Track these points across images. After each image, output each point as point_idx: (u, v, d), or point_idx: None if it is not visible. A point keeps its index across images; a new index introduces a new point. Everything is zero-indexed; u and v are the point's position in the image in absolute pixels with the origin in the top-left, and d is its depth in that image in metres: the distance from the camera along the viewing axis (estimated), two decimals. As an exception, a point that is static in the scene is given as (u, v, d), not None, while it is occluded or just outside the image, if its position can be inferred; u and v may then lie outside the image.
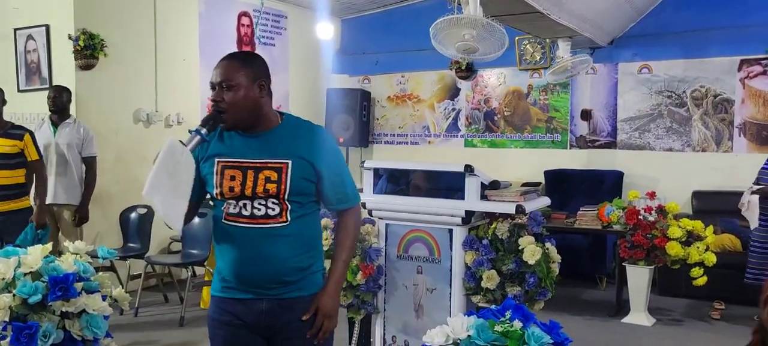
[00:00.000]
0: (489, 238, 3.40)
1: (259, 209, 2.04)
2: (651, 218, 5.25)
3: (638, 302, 5.28)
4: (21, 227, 4.51)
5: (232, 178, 2.05)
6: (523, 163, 7.45)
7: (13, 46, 5.81)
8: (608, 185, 6.85)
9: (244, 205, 2.04)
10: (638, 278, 5.27)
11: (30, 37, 5.73)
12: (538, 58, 7.33)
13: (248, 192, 2.03)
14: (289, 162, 2.04)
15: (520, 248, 3.31)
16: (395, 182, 3.81)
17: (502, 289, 3.34)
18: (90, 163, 5.19)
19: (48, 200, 5.01)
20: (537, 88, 7.48)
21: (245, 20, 7.14)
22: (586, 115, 7.21)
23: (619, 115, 7.01)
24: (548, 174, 7.21)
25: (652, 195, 5.45)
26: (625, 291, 5.44)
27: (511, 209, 3.33)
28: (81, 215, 5.12)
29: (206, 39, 6.68)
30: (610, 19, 6.36)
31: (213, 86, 2.06)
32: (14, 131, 4.53)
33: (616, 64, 7.02)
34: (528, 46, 7.34)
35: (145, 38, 6.08)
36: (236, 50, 2.22)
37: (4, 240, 4.23)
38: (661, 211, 5.28)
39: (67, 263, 2.78)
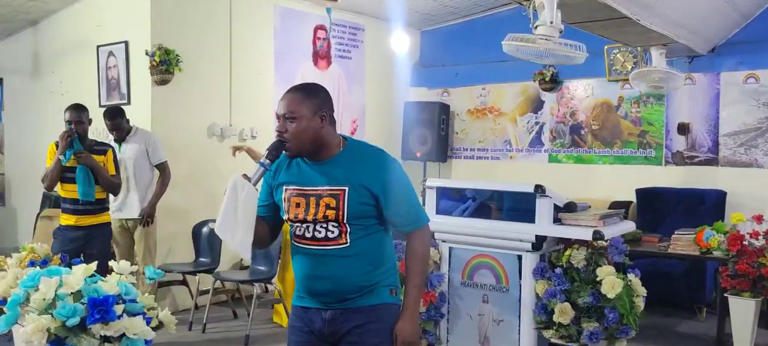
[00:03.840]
0: (563, 266, 3.05)
1: (320, 232, 2.18)
2: (758, 244, 4.70)
3: (742, 337, 4.71)
4: (101, 241, 4.58)
5: (297, 205, 2.20)
6: (612, 181, 6.95)
7: (95, 63, 5.96)
8: (709, 205, 6.26)
9: (308, 228, 2.20)
10: (742, 311, 4.70)
11: (111, 53, 5.86)
12: (630, 68, 6.81)
13: (310, 217, 2.18)
14: (346, 189, 2.15)
15: (597, 279, 2.95)
16: (483, 206, 3.49)
17: (577, 324, 2.99)
18: (162, 167, 5.18)
19: (120, 216, 5.08)
20: (628, 100, 6.97)
21: (321, 33, 7.06)
22: (683, 129, 6.65)
23: (722, 129, 6.41)
24: (640, 193, 6.68)
25: (759, 218, 4.88)
26: (728, 324, 4.88)
27: (587, 234, 2.98)
28: (147, 213, 5.10)
29: (281, 53, 6.64)
30: (709, 25, 5.81)
31: (278, 117, 2.19)
32: (99, 147, 4.61)
33: (717, 74, 6.42)
34: (618, 55, 6.85)
35: (221, 53, 6.10)
36: (300, 83, 2.33)
37: (84, 253, 4.30)
38: (770, 237, 4.71)
39: (109, 285, 2.69)
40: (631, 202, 6.69)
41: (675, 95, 6.65)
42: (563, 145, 7.39)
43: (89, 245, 4.47)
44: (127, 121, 5.17)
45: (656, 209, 6.52)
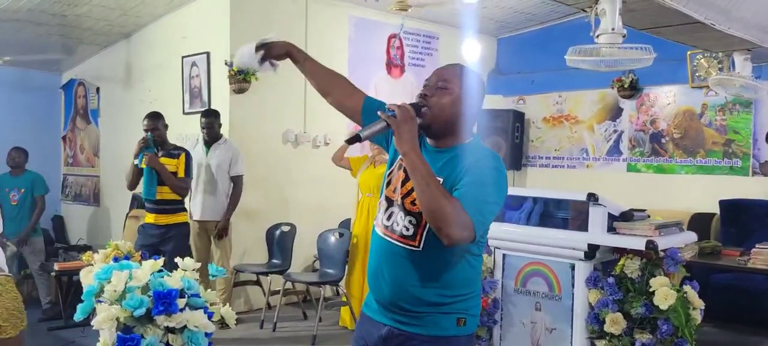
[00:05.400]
0: (616, 275, 3.00)
1: (398, 224, 1.96)
2: None
3: (829, 360, 4.44)
4: (177, 240, 4.88)
5: (399, 179, 1.98)
6: (694, 192, 6.68)
7: (180, 73, 6.31)
8: (800, 219, 5.92)
9: (391, 214, 1.99)
10: (829, 331, 4.43)
11: (194, 63, 6.20)
12: (714, 74, 6.52)
13: (400, 197, 1.96)
14: (441, 180, 1.88)
15: (650, 289, 2.88)
16: (548, 214, 3.49)
17: (630, 335, 2.93)
18: (236, 181, 5.44)
19: (198, 217, 5.37)
20: (712, 108, 6.68)
21: (395, 42, 7.18)
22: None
23: (815, 138, 6.05)
24: (724, 204, 6.38)
25: None
26: (814, 346, 4.61)
27: (641, 244, 2.92)
28: (220, 227, 5.34)
29: (355, 62, 6.79)
30: (800, 28, 5.49)
31: (426, 84, 2.00)
32: (175, 151, 4.92)
33: (810, 80, 6.06)
34: (702, 61, 6.58)
35: (296, 62, 6.29)
36: (458, 63, 2.11)
37: (161, 251, 4.63)
38: None
39: (173, 279, 2.88)
40: (715, 214, 6.41)
41: (764, 102, 6.33)
42: (643, 154, 7.17)
43: (164, 242, 4.78)
44: (220, 125, 5.47)
45: (742, 221, 6.21)
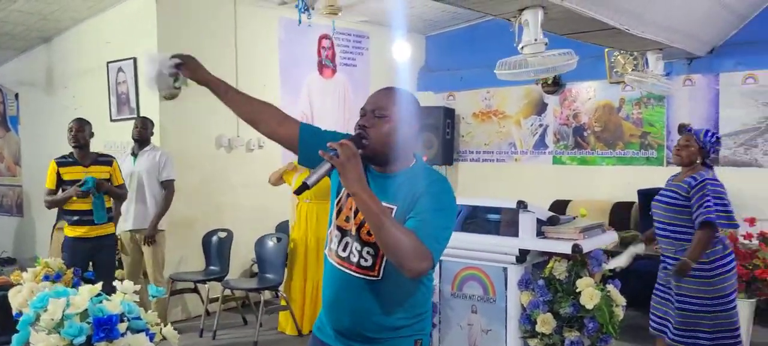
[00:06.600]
0: (546, 277, 3.18)
1: (354, 255, 1.96)
2: (752, 246, 4.78)
3: (738, 338, 4.79)
4: (108, 251, 4.81)
5: (350, 208, 1.97)
6: (615, 182, 7.04)
7: (106, 79, 6.15)
8: (710, 205, 6.31)
9: (346, 244, 1.98)
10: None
11: (120, 69, 6.05)
12: (630, 70, 6.88)
13: (353, 228, 1.95)
14: (394, 208, 1.88)
15: (577, 290, 3.07)
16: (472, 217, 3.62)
17: (560, 333, 3.11)
18: (167, 185, 5.28)
19: (130, 227, 5.25)
20: (629, 102, 7.04)
21: (326, 43, 7.21)
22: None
23: (722, 129, 6.45)
24: (642, 193, 6.73)
25: (751, 221, 4.95)
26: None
27: (568, 247, 3.10)
28: (147, 233, 5.19)
29: (287, 64, 6.80)
30: (705, 28, 5.87)
31: (363, 113, 1.98)
32: (103, 158, 4.85)
33: (716, 75, 6.48)
34: (619, 58, 6.91)
35: (226, 66, 6.23)
36: (391, 86, 2.06)
37: (93, 261, 4.58)
38: (765, 238, 4.78)
39: (113, 304, 2.85)
40: (634, 202, 6.76)
41: (675, 97, 6.72)
42: (566, 147, 7.48)
43: (98, 254, 4.71)
44: (152, 133, 5.38)
45: (658, 209, 6.58)
